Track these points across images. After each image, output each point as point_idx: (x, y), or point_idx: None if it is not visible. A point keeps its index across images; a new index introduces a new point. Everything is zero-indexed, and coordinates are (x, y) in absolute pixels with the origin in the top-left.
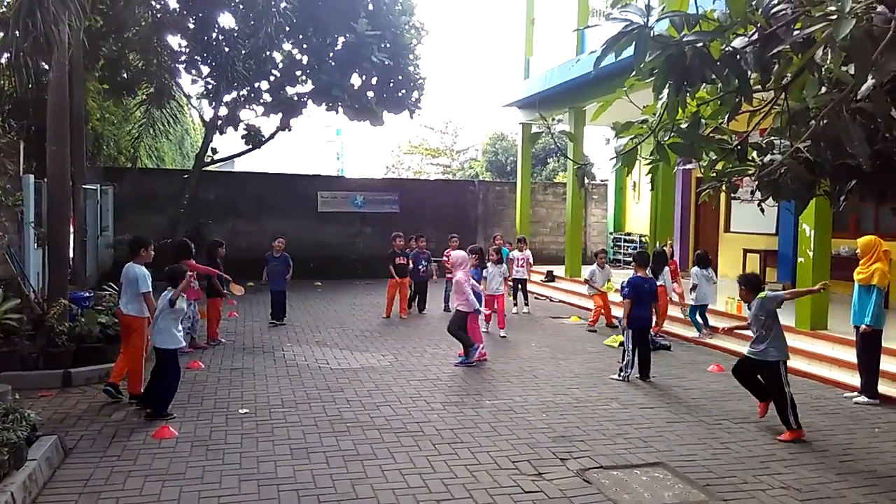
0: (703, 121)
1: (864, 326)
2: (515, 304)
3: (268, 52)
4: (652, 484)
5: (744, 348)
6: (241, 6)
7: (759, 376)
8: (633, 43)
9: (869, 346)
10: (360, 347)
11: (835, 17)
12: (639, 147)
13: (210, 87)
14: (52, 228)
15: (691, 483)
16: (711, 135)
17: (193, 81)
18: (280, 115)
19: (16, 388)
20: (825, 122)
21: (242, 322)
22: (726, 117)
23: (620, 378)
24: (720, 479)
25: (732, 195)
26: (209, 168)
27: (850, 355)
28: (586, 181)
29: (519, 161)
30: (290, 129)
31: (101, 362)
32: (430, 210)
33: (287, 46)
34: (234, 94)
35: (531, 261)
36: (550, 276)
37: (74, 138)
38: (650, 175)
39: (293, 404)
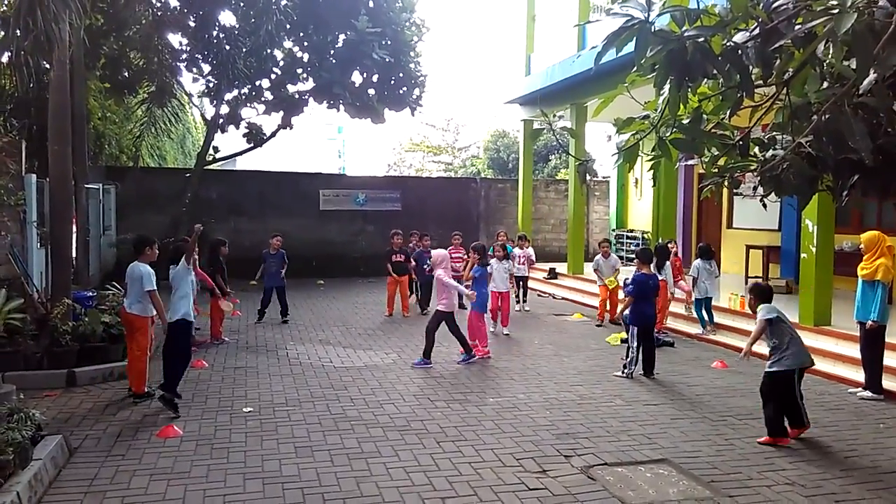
0: (704, 116)
1: (870, 322)
2: (517, 302)
3: (269, 50)
4: (656, 480)
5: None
6: (242, 4)
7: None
8: (634, 38)
9: (873, 342)
10: (364, 345)
11: (836, 11)
12: (640, 143)
13: (211, 85)
14: (55, 228)
15: (696, 479)
16: (713, 130)
17: (194, 80)
18: (281, 113)
19: (20, 388)
20: (827, 117)
21: (245, 321)
22: (728, 113)
23: (624, 375)
24: (725, 476)
25: (735, 191)
26: (211, 167)
27: (854, 351)
28: (588, 178)
29: (521, 158)
30: (291, 128)
31: (105, 362)
32: (432, 208)
33: (288, 44)
34: (236, 92)
35: (533, 258)
36: (553, 274)
37: (76, 137)
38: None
39: (297, 403)
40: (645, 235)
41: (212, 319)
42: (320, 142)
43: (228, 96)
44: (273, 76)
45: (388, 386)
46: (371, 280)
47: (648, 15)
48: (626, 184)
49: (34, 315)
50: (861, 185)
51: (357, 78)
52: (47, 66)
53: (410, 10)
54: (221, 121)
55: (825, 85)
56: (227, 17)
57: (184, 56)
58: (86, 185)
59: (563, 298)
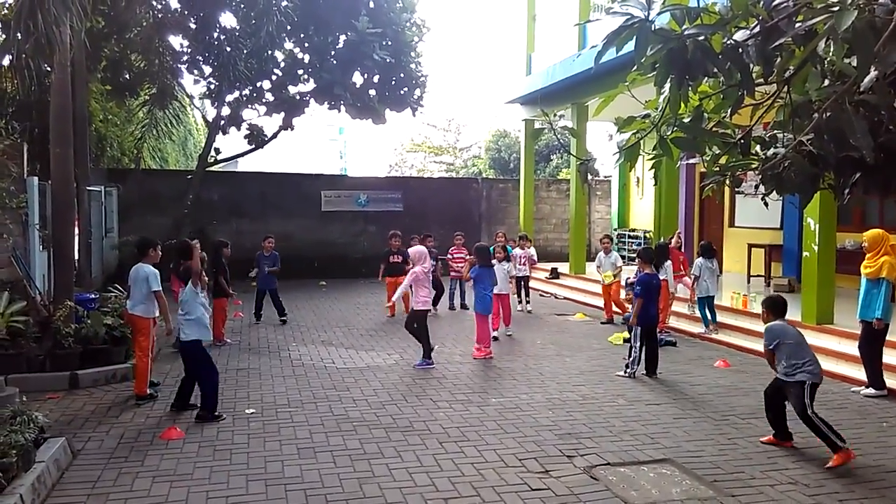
0: (705, 115)
1: (876, 321)
2: (520, 302)
3: (269, 52)
4: (659, 480)
5: (745, 342)
6: (242, 5)
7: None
8: (635, 37)
9: (874, 339)
10: (366, 346)
11: (837, 8)
12: (642, 142)
13: (212, 86)
14: (57, 230)
15: (699, 479)
16: (714, 129)
17: (196, 81)
18: (282, 114)
19: (23, 390)
20: (828, 114)
21: (248, 322)
22: (729, 111)
23: (627, 374)
24: (728, 475)
25: (736, 190)
26: (212, 168)
27: (857, 349)
28: (589, 177)
29: (522, 158)
30: (292, 129)
31: (108, 364)
32: (433, 208)
33: (289, 45)
34: (237, 93)
35: (534, 258)
36: (555, 273)
37: (78, 140)
38: (653, 170)
39: (299, 404)
40: (647, 235)
41: (214, 321)
42: (322, 143)
43: (229, 98)
44: (274, 77)
45: (390, 387)
46: (373, 281)
47: (648, 14)
48: (627, 183)
49: (37, 317)
50: (862, 183)
51: (358, 79)
52: (48, 68)
53: (411, 10)
54: (223, 122)
55: (826, 83)
56: (227, 19)
57: (185, 58)
58: (88, 188)
59: (565, 298)
